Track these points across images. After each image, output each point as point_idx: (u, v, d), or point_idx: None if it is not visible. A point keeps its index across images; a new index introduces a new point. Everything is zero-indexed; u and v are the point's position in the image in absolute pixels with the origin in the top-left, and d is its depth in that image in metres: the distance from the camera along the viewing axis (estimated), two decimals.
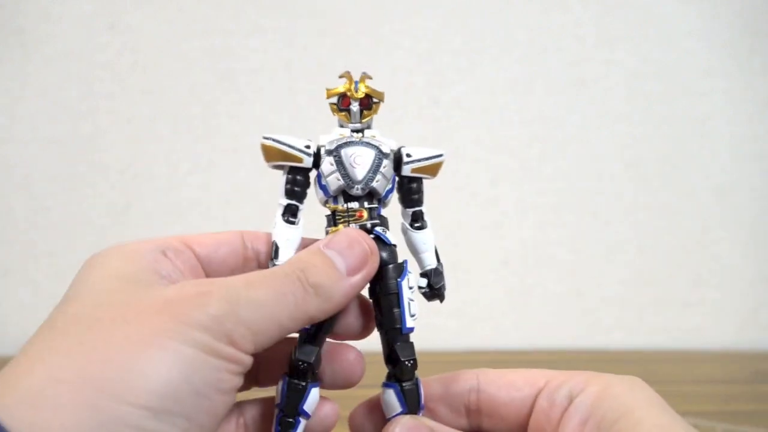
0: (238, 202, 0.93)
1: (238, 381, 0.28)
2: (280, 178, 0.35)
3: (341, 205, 0.33)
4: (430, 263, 0.35)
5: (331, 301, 0.29)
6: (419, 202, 0.35)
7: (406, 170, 0.34)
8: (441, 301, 0.35)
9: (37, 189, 0.93)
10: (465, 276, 0.91)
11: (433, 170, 0.35)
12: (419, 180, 0.35)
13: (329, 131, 0.35)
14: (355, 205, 0.33)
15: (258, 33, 0.91)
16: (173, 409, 0.24)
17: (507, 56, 0.91)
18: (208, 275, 0.33)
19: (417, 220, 0.35)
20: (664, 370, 0.83)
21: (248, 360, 0.27)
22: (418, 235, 0.35)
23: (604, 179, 0.93)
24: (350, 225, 0.33)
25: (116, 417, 0.23)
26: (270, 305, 0.27)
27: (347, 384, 0.34)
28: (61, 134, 0.92)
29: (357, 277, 0.30)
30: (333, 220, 0.34)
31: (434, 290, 0.35)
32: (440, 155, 0.35)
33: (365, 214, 0.33)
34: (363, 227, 0.33)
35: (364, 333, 0.34)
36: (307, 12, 0.90)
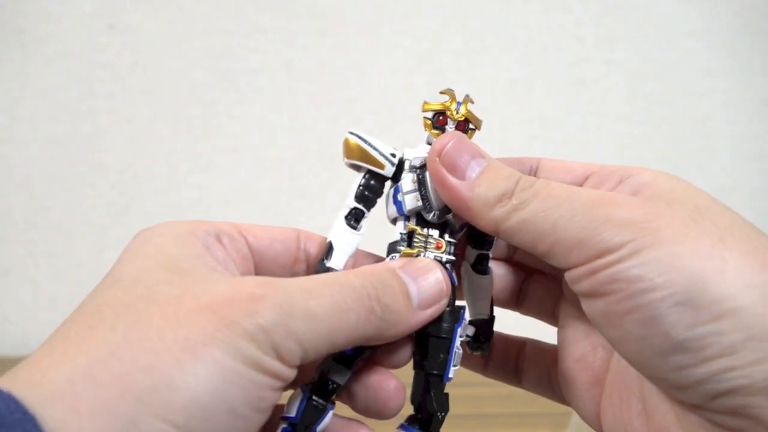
0: (238, 202, 0.93)
1: (277, 397, 0.25)
2: (352, 179, 0.32)
3: (422, 229, 0.31)
4: (483, 312, 0.33)
5: (394, 330, 0.26)
6: (489, 245, 0.33)
7: None
8: (484, 355, 0.33)
9: (37, 189, 0.93)
10: None
11: None
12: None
13: (415, 145, 0.33)
14: (435, 233, 0.31)
15: (258, 33, 0.91)
16: (203, 429, 0.22)
17: (507, 56, 0.91)
18: (257, 269, 0.30)
19: (481, 263, 0.33)
20: None
21: (292, 375, 0.24)
22: (479, 280, 0.33)
23: None
24: (427, 253, 0.30)
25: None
26: (328, 320, 0.24)
27: (380, 415, 0.30)
28: (61, 134, 0.92)
29: (427, 313, 0.28)
30: (409, 240, 0.31)
31: (480, 342, 0.33)
32: None
33: (444, 246, 0.31)
34: (438, 260, 0.30)
35: (403, 364, 0.32)
36: (307, 12, 0.90)
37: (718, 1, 0.91)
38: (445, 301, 0.29)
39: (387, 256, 0.32)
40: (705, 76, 0.92)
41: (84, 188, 0.93)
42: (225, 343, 0.22)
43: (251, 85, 0.91)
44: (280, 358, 0.23)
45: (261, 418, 0.24)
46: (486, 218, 0.27)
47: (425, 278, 0.28)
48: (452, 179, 0.28)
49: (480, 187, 0.27)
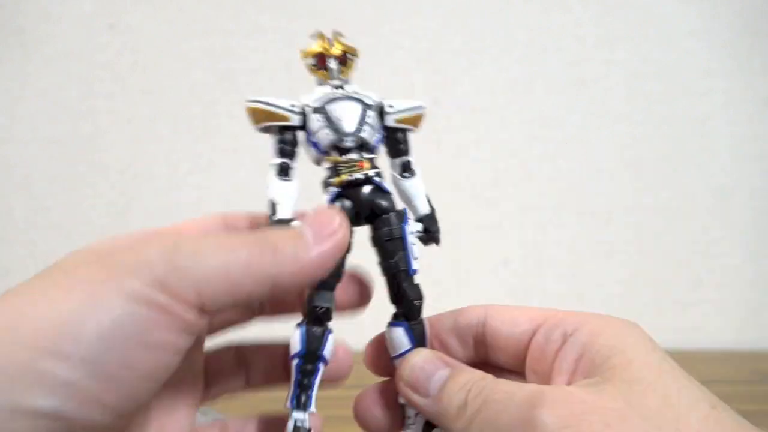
0: (238, 202, 0.93)
1: (183, 342, 0.26)
2: (269, 141, 0.35)
3: (342, 156, 0.34)
4: (424, 209, 0.36)
5: (297, 265, 0.28)
6: (406, 152, 0.36)
7: (390, 121, 0.35)
8: (437, 243, 0.36)
9: (37, 189, 0.93)
10: (465, 276, 0.91)
11: (415, 121, 0.36)
12: (404, 131, 0.36)
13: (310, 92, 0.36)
14: (354, 155, 0.34)
15: (258, 33, 0.91)
16: (72, 352, 0.23)
17: (507, 56, 0.91)
18: None
19: (406, 170, 0.36)
20: None
21: (190, 316, 0.26)
22: (408, 183, 0.36)
23: (604, 179, 0.93)
24: (353, 175, 0.33)
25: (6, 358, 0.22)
26: (216, 257, 0.26)
27: (337, 378, 0.35)
28: (61, 134, 0.92)
29: (325, 245, 0.30)
30: (335, 171, 0.34)
31: (430, 234, 0.35)
32: (420, 107, 0.36)
33: (366, 164, 0.34)
34: (366, 176, 0.34)
35: (362, 303, 0.35)
36: (307, 12, 0.91)
37: (718, 1, 0.91)
38: (345, 233, 0.31)
39: (324, 191, 0.34)
40: (705, 76, 0.92)
41: (84, 188, 0.93)
42: (113, 281, 0.24)
43: (251, 85, 0.91)
44: (171, 293, 0.25)
45: (152, 357, 0.25)
46: (452, 429, 0.30)
47: (315, 220, 0.31)
48: (417, 398, 0.31)
49: (442, 401, 0.30)
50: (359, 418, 0.35)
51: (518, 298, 0.93)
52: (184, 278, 0.25)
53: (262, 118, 0.35)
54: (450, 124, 0.91)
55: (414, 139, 0.37)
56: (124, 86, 0.92)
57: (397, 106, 0.36)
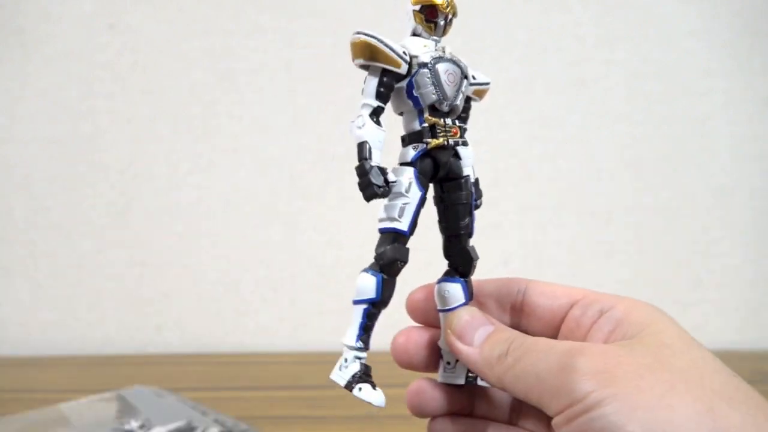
0: (238, 202, 0.93)
1: None
2: (364, 80, 0.35)
3: (441, 120, 0.35)
4: (472, 176, 0.38)
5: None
6: (466, 120, 0.37)
7: (469, 90, 0.37)
8: (478, 208, 0.39)
9: (37, 189, 0.93)
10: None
11: (481, 94, 0.38)
12: (470, 100, 0.37)
13: (401, 37, 0.36)
14: (449, 121, 0.35)
15: (258, 33, 0.91)
16: None
17: (507, 56, 0.91)
18: None
19: (463, 136, 0.37)
20: None
21: None
22: (464, 151, 0.37)
23: (604, 179, 0.93)
24: (449, 140, 0.35)
25: None
26: None
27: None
28: (61, 134, 0.92)
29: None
30: (432, 132, 0.34)
31: (477, 201, 0.38)
32: (489, 83, 0.38)
33: (458, 132, 0.35)
34: (456, 143, 0.35)
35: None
36: (307, 12, 0.91)
37: (718, 1, 0.91)
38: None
39: (408, 145, 0.35)
40: (705, 76, 0.92)
41: (84, 188, 0.93)
42: None
43: (251, 85, 0.91)
44: None
45: None
46: (490, 374, 0.32)
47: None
48: (461, 346, 0.34)
49: (484, 350, 0.33)
50: (398, 351, 0.37)
51: None
52: None
53: (370, 55, 0.34)
54: None
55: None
56: (124, 86, 0.92)
57: (478, 78, 0.37)
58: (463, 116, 0.37)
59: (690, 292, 0.94)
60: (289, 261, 0.93)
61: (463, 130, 0.36)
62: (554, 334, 0.36)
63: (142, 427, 0.60)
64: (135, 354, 0.92)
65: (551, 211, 0.93)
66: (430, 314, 0.38)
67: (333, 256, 0.92)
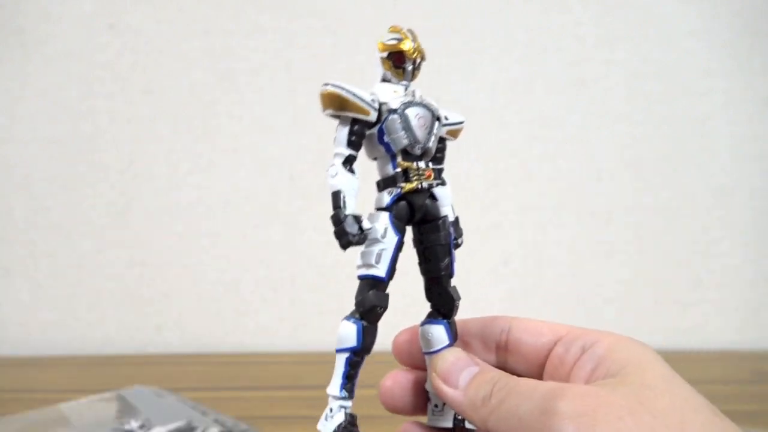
0: (238, 202, 0.93)
1: None
2: (335, 129, 0.35)
3: (414, 164, 0.35)
4: (451, 216, 0.38)
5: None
6: (442, 160, 0.37)
7: (442, 131, 0.37)
8: (457, 248, 0.38)
9: (37, 189, 0.93)
10: (465, 276, 0.91)
11: (456, 134, 0.38)
12: (444, 140, 0.37)
13: (372, 84, 0.36)
14: (422, 164, 0.35)
15: (258, 33, 0.91)
16: None
17: (507, 56, 0.91)
18: None
19: (438, 177, 0.37)
20: None
21: None
22: (440, 191, 0.37)
23: (604, 179, 0.93)
24: (422, 183, 0.35)
25: None
26: None
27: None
28: (61, 134, 0.92)
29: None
30: (406, 176, 0.35)
31: (456, 240, 0.38)
32: (463, 122, 0.38)
33: (431, 174, 0.35)
34: (430, 185, 0.35)
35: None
36: (307, 12, 0.91)
37: (718, 1, 0.91)
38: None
39: (383, 190, 0.35)
40: (705, 76, 0.92)
41: (84, 188, 0.93)
42: None
43: (251, 85, 0.91)
44: None
45: None
46: (475, 417, 0.32)
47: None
48: (446, 388, 0.34)
49: (469, 392, 0.33)
50: (386, 396, 0.38)
51: (518, 298, 0.93)
52: None
53: (339, 105, 0.34)
54: None
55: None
56: (124, 86, 0.92)
57: (451, 119, 0.37)
58: (439, 156, 0.37)
59: (690, 292, 0.94)
60: (289, 261, 0.93)
61: (437, 172, 0.36)
62: (539, 372, 0.36)
63: (142, 427, 0.60)
64: (135, 354, 0.92)
65: (551, 211, 0.93)
66: (415, 356, 0.38)
67: (333, 256, 0.92)
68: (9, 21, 0.90)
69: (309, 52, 0.91)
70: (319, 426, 0.34)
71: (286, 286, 0.94)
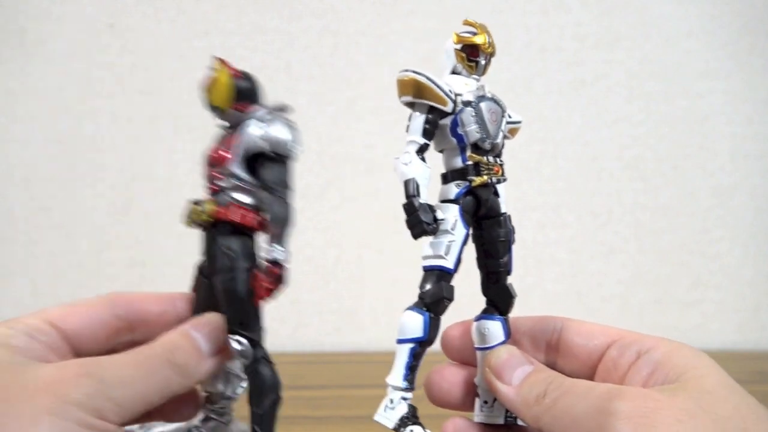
0: None
1: None
2: (408, 117, 0.35)
3: (485, 158, 0.35)
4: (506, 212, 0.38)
5: (192, 378, 0.34)
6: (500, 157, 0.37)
7: (506, 129, 0.37)
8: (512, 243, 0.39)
9: (37, 189, 0.93)
10: (465, 276, 0.91)
11: (515, 132, 0.38)
12: (504, 138, 0.37)
13: (440, 75, 0.36)
14: (491, 159, 0.35)
15: (258, 33, 0.91)
16: None
17: (507, 56, 0.91)
18: (77, 350, 0.36)
19: (503, 174, 0.37)
20: None
21: (113, 429, 0.31)
22: (502, 188, 0.37)
23: (604, 179, 0.93)
24: (492, 178, 0.35)
25: None
26: (138, 384, 0.32)
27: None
28: (61, 134, 0.92)
29: (215, 359, 0.35)
30: (476, 170, 0.35)
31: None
32: (521, 121, 0.39)
33: (500, 170, 0.36)
34: (498, 181, 0.36)
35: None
36: (307, 12, 0.91)
37: (718, 1, 0.91)
38: (220, 339, 0.35)
39: (450, 182, 0.35)
40: (705, 76, 0.92)
41: (84, 188, 0.93)
42: (62, 410, 0.29)
43: None
44: (103, 417, 0.30)
45: None
46: (527, 414, 0.32)
47: (212, 332, 0.35)
48: (499, 384, 0.34)
49: (522, 389, 0.33)
50: (433, 390, 0.38)
51: (518, 297, 0.93)
52: (116, 406, 0.31)
53: (417, 92, 0.34)
54: None
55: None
56: (124, 86, 0.92)
57: (513, 117, 0.37)
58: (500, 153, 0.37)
59: (690, 292, 0.94)
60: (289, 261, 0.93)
61: (502, 168, 0.36)
62: (590, 374, 0.35)
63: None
64: None
65: (551, 211, 0.93)
66: (465, 352, 0.38)
67: (333, 256, 0.92)
68: (10, 21, 0.90)
69: (309, 52, 0.91)
70: (377, 417, 0.34)
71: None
